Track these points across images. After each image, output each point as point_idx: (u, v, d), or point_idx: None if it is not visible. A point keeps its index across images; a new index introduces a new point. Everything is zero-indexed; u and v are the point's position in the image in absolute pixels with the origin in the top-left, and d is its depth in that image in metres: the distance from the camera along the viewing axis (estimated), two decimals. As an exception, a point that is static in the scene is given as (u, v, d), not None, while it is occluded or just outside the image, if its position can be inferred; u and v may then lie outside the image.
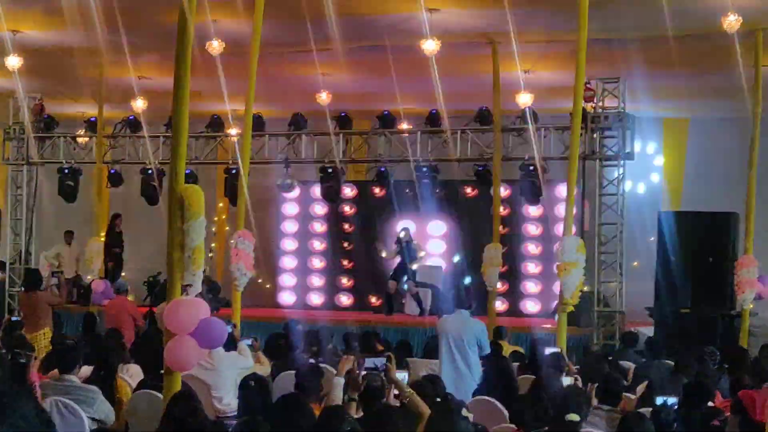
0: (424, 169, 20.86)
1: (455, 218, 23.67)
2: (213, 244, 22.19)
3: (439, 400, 8.18)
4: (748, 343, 15.83)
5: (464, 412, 7.17)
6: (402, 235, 21.69)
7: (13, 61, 18.54)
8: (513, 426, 8.23)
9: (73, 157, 22.31)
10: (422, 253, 22.14)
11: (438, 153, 21.20)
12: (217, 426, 6.94)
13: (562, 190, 17.56)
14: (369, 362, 8.92)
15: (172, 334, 8.02)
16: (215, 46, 16.22)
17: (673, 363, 12.24)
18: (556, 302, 14.63)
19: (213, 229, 21.92)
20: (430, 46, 16.13)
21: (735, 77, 17.03)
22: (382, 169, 21.67)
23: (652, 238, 19.02)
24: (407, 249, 21.39)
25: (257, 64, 14.28)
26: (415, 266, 21.56)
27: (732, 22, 14.30)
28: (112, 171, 22.02)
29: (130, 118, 21.49)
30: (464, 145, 20.74)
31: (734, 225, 17.69)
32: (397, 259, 21.58)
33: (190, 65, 8.30)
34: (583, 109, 16.19)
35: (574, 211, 13.83)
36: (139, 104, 20.68)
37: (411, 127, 21.60)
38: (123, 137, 22.08)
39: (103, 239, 22.04)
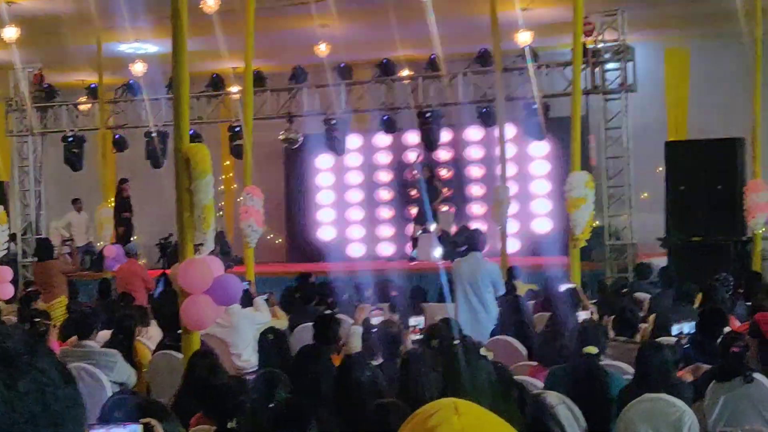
0: (428, 114, 20.62)
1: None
2: (222, 203, 22.09)
3: (456, 341, 7.95)
4: (762, 267, 15.88)
5: (483, 351, 6.72)
6: (416, 172, 22.22)
7: (10, 33, 18.36)
8: (532, 363, 8.29)
9: (76, 125, 22.36)
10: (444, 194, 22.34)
11: (440, 98, 20.84)
12: (238, 382, 6.87)
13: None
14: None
15: (188, 294, 8.08)
16: (210, 4, 15.94)
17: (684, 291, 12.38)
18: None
19: (221, 188, 21.82)
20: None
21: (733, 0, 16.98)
22: (386, 117, 21.44)
23: (660, 169, 18.87)
24: (427, 187, 21.29)
25: (253, 20, 14.14)
26: (443, 207, 21.99)
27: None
28: (116, 136, 22.07)
29: (131, 82, 21.49)
30: (467, 88, 20.59)
31: (741, 150, 17.57)
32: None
33: (186, 26, 8.20)
34: (584, 44, 16.15)
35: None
36: (139, 68, 20.78)
37: (412, 73, 21.48)
38: (124, 102, 22.03)
39: (111, 205, 21.89)
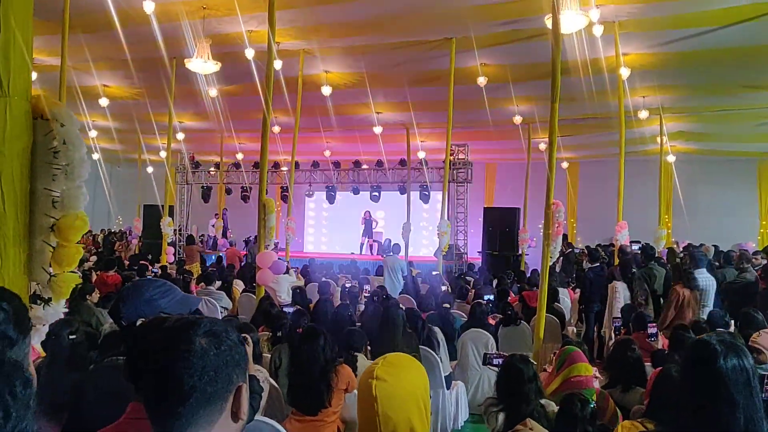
0: (374, 187, 21.74)
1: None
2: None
3: (385, 297, 9.11)
4: (525, 268, 16.76)
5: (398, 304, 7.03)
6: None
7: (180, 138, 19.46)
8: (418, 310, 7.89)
9: (208, 180, 23.38)
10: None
11: (377, 179, 21.36)
12: (282, 311, 6.85)
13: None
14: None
15: (260, 268, 8.49)
16: (276, 130, 17.26)
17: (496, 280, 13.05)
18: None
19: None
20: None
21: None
22: (355, 188, 22.29)
23: (480, 218, 19.79)
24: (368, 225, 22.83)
25: (297, 136, 14.40)
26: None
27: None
28: (227, 187, 23.32)
29: (236, 162, 22.58)
30: (394, 176, 21.21)
31: (518, 214, 18.61)
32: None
33: (268, 141, 8.53)
34: (451, 160, 17.58)
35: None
36: (240, 156, 22.09)
37: (367, 167, 21.80)
38: (233, 171, 22.98)
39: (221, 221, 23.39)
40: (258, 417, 3.55)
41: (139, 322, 2.01)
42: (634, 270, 8.91)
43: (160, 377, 1.33)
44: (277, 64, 11.31)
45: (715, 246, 13.77)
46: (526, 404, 3.55)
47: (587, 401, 3.44)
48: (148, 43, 11.57)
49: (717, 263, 9.95)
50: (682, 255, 11.53)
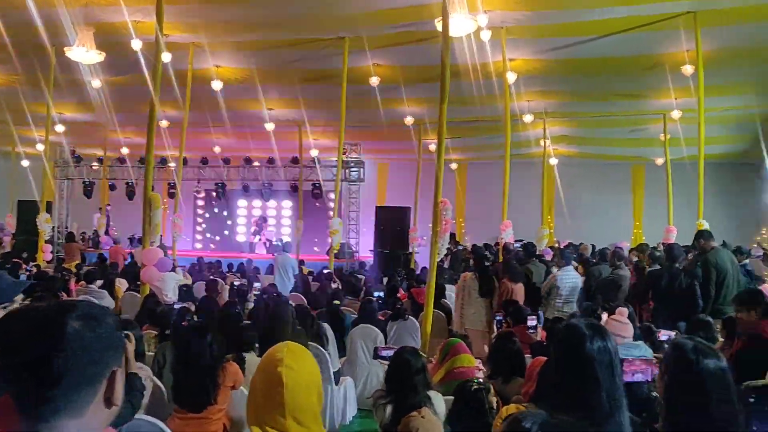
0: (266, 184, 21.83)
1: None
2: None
3: (275, 294, 9.27)
4: (415, 266, 16.94)
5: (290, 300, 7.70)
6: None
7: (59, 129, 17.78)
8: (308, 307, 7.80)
9: (90, 176, 22.82)
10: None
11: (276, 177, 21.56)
12: (168, 309, 6.79)
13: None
14: None
15: (145, 265, 8.42)
16: (163, 124, 16.45)
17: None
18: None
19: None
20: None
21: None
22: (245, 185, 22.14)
23: (373, 218, 19.60)
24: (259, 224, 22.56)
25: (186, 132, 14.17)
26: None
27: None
28: (111, 183, 22.69)
29: (120, 157, 21.96)
30: (287, 174, 21.22)
31: (408, 213, 18.80)
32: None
33: (154, 135, 8.38)
34: (343, 159, 17.43)
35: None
36: (125, 150, 21.32)
37: (258, 164, 21.77)
38: (117, 167, 22.39)
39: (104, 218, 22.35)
40: (140, 416, 3.48)
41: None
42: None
43: (29, 363, 1.29)
44: (166, 57, 11.08)
45: (593, 245, 14.49)
46: (414, 394, 3.60)
47: (483, 387, 3.58)
48: (26, 28, 11.03)
49: (594, 261, 10.51)
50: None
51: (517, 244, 11.05)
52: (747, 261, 9.20)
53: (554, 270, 9.55)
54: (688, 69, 11.42)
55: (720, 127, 16.29)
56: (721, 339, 5.47)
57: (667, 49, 11.41)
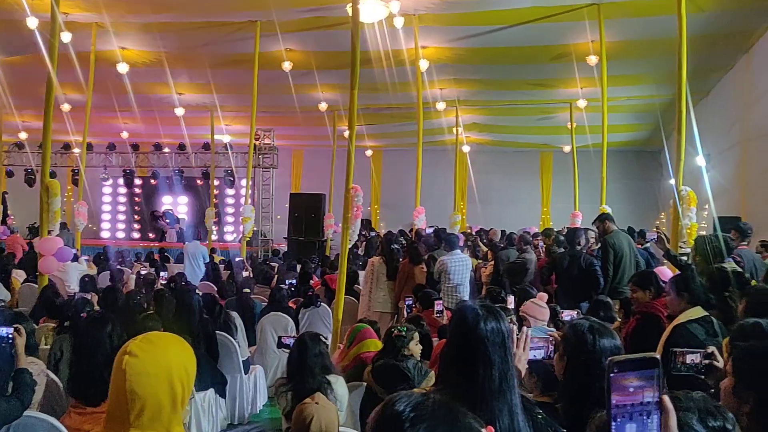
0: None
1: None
2: (64, 209, 22.01)
3: (184, 283, 8.96)
4: (329, 253, 16.87)
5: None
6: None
7: None
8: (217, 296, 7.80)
9: None
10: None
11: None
12: (67, 300, 6.68)
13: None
14: None
15: (43, 255, 8.13)
16: (65, 108, 15.99)
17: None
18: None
19: (64, 199, 21.60)
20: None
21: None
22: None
23: (287, 205, 19.46)
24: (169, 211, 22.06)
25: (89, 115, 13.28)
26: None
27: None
28: (8, 170, 21.52)
29: (18, 142, 21.02)
30: (197, 161, 20.78)
31: (323, 200, 18.95)
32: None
33: (51, 118, 8.14)
34: (255, 144, 17.89)
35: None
36: (23, 135, 20.32)
37: (168, 150, 21.30)
38: (15, 152, 21.42)
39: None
40: (30, 412, 3.33)
41: None
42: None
43: None
44: (66, 37, 10.64)
45: (503, 230, 14.85)
46: (312, 379, 3.61)
47: (403, 334, 3.79)
48: None
49: (502, 245, 10.79)
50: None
51: (429, 230, 11.15)
52: (648, 244, 9.60)
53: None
54: (592, 59, 11.83)
55: (623, 116, 16.95)
56: (619, 319, 5.68)
57: (573, 39, 11.77)
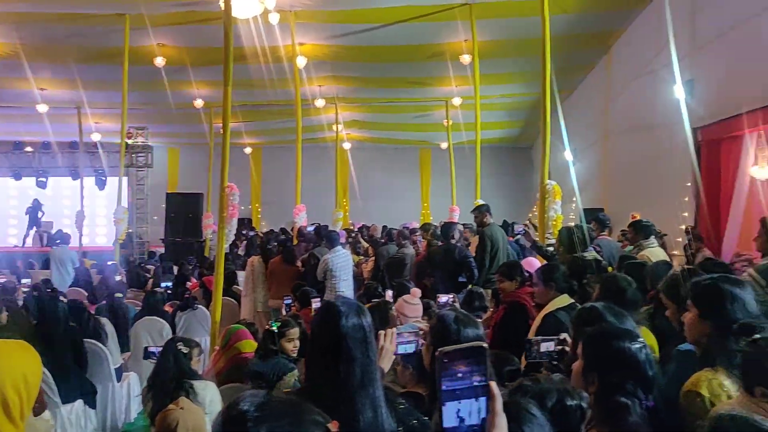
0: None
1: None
2: None
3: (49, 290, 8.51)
4: (209, 254, 16.50)
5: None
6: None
7: None
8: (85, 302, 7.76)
9: None
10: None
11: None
12: None
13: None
14: None
15: None
16: None
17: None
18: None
19: None
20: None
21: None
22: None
23: (163, 205, 19.25)
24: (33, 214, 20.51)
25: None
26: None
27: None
28: None
29: None
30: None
31: (201, 200, 18.80)
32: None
33: None
34: (127, 143, 17.52)
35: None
36: None
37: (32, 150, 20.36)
38: None
39: None
40: None
41: None
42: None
43: None
44: None
45: (384, 225, 15.05)
46: (175, 383, 3.55)
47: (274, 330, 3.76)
48: None
49: (382, 241, 10.97)
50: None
51: (310, 228, 11.16)
52: (519, 236, 10.04)
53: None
54: (466, 58, 12.21)
55: (496, 114, 17.60)
56: (491, 308, 5.91)
57: (447, 39, 12.11)
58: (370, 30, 11.76)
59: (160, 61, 12.68)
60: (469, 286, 6.72)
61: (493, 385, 1.10)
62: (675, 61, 9.31)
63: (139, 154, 19.52)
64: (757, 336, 2.11)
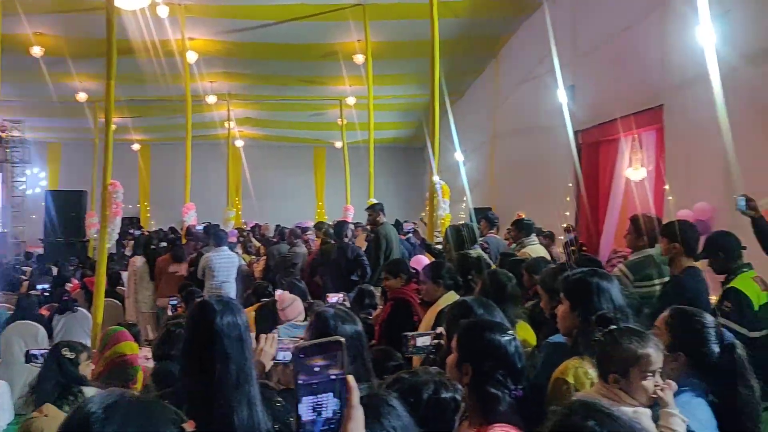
0: None
1: None
2: None
3: None
4: (93, 256, 15.03)
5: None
6: None
7: None
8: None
9: None
10: None
11: None
12: None
13: None
14: None
15: None
16: None
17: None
18: None
19: None
20: None
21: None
22: None
23: (43, 203, 18.51)
24: None
25: None
26: None
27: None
28: None
29: None
30: None
31: (84, 197, 18.16)
32: None
33: None
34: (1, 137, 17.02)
35: None
36: None
37: None
38: None
39: None
40: None
41: None
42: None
43: None
44: None
45: (278, 225, 14.93)
46: (61, 390, 3.44)
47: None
48: None
49: (274, 240, 10.89)
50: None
51: (199, 227, 10.93)
52: (410, 235, 10.20)
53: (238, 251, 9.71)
54: (359, 58, 12.30)
55: (390, 114, 17.84)
56: (380, 305, 5.99)
57: (341, 38, 12.18)
58: (263, 27, 11.64)
59: (37, 51, 12.03)
60: (361, 284, 6.73)
61: (350, 378, 1.12)
62: (557, 68, 9.73)
63: (15, 149, 18.53)
64: (613, 327, 2.24)
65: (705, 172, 6.95)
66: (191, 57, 11.82)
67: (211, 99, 15.33)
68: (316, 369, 1.09)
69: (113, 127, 10.22)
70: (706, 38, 6.13)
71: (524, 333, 3.54)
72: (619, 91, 9.00)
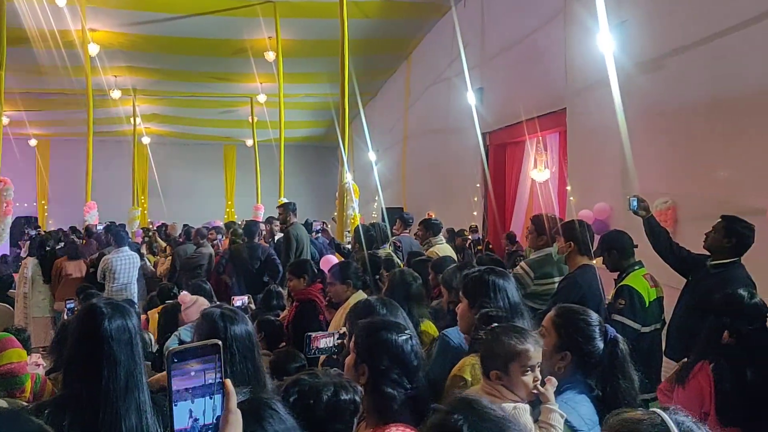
0: None
1: None
2: None
3: None
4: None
5: None
6: None
7: None
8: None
9: None
10: None
11: None
12: None
13: None
14: None
15: None
16: None
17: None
18: None
19: None
20: None
21: None
22: None
23: None
24: None
25: None
26: None
27: None
28: None
29: None
30: None
31: None
32: None
33: None
34: None
35: None
36: None
37: None
38: None
39: None
40: None
41: None
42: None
43: None
44: None
45: (185, 225, 14.57)
46: None
47: None
48: None
49: (180, 240, 10.62)
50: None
51: (100, 227, 10.53)
52: (319, 235, 10.16)
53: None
54: (270, 55, 12.14)
55: (301, 112, 17.71)
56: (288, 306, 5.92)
57: (252, 35, 11.99)
58: (170, 20, 11.30)
59: None
60: (272, 285, 6.66)
61: (228, 382, 1.09)
62: (466, 71, 9.93)
63: None
64: (495, 325, 2.30)
65: (604, 173, 7.24)
66: (93, 49, 11.34)
67: (116, 94, 14.81)
68: (192, 373, 1.06)
69: (5, 120, 9.77)
70: (606, 45, 6.38)
71: (429, 330, 3.57)
72: (524, 94, 9.26)
